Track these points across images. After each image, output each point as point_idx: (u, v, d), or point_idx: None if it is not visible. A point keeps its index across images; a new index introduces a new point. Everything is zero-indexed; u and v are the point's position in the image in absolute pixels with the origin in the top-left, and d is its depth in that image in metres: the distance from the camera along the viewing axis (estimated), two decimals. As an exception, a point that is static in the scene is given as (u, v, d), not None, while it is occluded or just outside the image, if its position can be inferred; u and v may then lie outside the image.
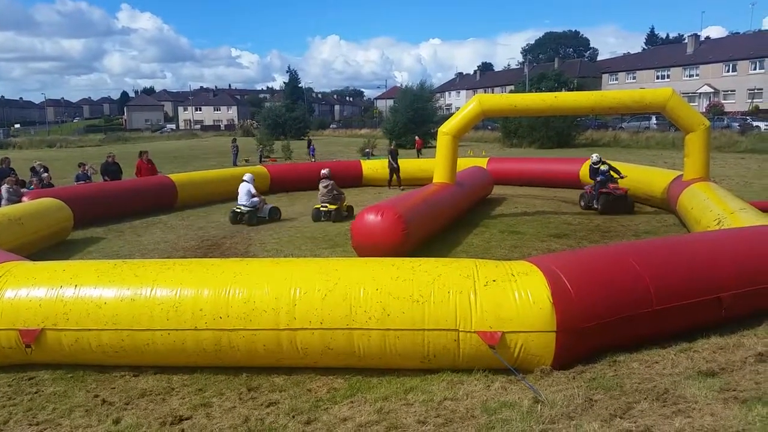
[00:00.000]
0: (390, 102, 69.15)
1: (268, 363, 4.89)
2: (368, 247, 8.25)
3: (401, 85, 75.85)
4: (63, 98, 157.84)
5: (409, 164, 19.27)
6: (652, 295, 4.90)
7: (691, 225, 9.58)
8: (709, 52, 62.35)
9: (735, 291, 5.27)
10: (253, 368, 4.92)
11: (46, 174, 15.16)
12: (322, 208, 12.69)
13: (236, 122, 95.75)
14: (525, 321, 4.53)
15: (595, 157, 13.87)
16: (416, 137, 34.41)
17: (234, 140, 32.59)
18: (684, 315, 5.07)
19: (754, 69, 56.99)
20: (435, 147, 12.61)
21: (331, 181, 12.73)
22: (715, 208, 8.71)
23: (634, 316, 4.84)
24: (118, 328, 4.81)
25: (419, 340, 4.60)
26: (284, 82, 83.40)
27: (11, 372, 5.05)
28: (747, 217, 7.67)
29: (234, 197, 13.20)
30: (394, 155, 18.37)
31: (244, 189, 12.61)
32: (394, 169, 18.10)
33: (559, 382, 4.41)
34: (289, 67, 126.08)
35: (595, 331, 4.69)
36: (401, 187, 17.40)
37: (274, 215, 12.94)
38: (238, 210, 12.63)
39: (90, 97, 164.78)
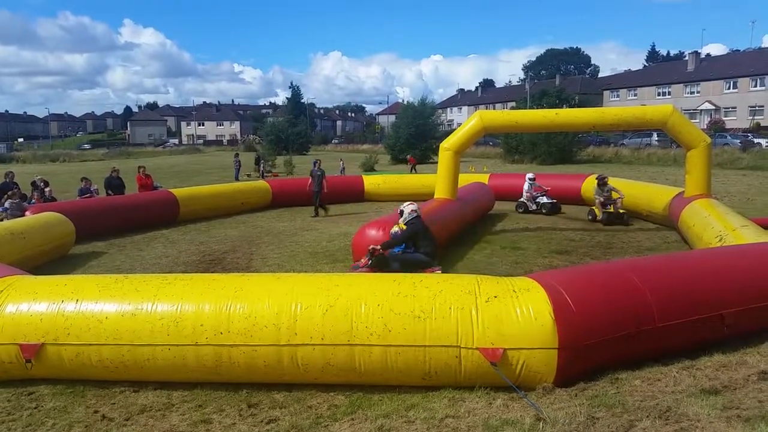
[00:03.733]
0: (392, 118, 69.58)
1: (269, 379, 4.86)
2: (370, 263, 8.23)
3: (403, 100, 76.69)
4: (66, 113, 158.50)
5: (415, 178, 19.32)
6: (654, 312, 4.88)
7: (693, 242, 9.57)
8: (709, 69, 62.74)
9: (737, 308, 5.25)
10: (253, 384, 4.90)
11: (48, 188, 15.22)
12: None
13: (239, 137, 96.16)
14: (527, 338, 4.51)
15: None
16: (407, 156, 36.69)
17: (237, 155, 32.80)
18: (686, 332, 5.05)
19: (755, 86, 57.29)
20: (437, 162, 12.67)
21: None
22: (716, 225, 8.71)
23: (637, 333, 4.82)
24: (118, 343, 4.80)
25: (421, 356, 4.58)
26: (287, 98, 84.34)
27: (11, 387, 5.03)
28: (749, 234, 7.66)
29: (235, 212, 16.11)
30: (317, 176, 15.43)
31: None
32: (317, 193, 15.45)
33: (561, 400, 4.39)
34: (291, 83, 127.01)
35: (597, 348, 4.67)
36: (320, 215, 15.57)
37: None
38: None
39: (93, 112, 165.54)
